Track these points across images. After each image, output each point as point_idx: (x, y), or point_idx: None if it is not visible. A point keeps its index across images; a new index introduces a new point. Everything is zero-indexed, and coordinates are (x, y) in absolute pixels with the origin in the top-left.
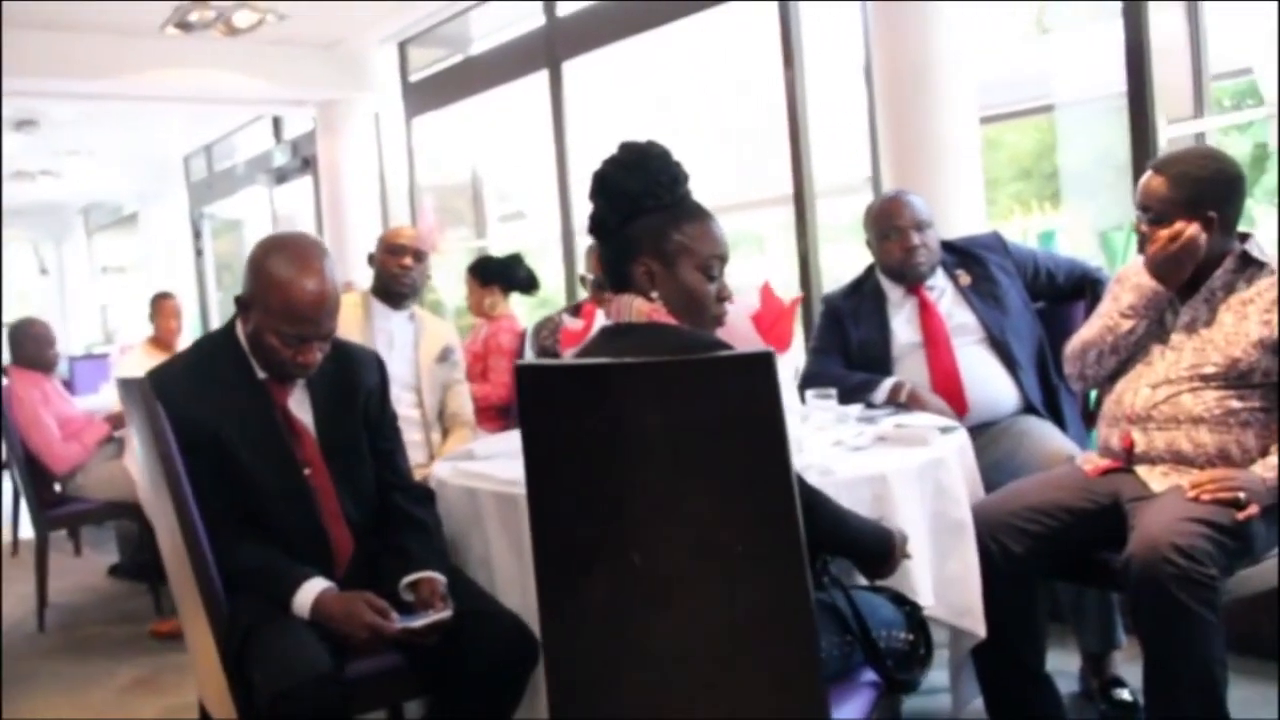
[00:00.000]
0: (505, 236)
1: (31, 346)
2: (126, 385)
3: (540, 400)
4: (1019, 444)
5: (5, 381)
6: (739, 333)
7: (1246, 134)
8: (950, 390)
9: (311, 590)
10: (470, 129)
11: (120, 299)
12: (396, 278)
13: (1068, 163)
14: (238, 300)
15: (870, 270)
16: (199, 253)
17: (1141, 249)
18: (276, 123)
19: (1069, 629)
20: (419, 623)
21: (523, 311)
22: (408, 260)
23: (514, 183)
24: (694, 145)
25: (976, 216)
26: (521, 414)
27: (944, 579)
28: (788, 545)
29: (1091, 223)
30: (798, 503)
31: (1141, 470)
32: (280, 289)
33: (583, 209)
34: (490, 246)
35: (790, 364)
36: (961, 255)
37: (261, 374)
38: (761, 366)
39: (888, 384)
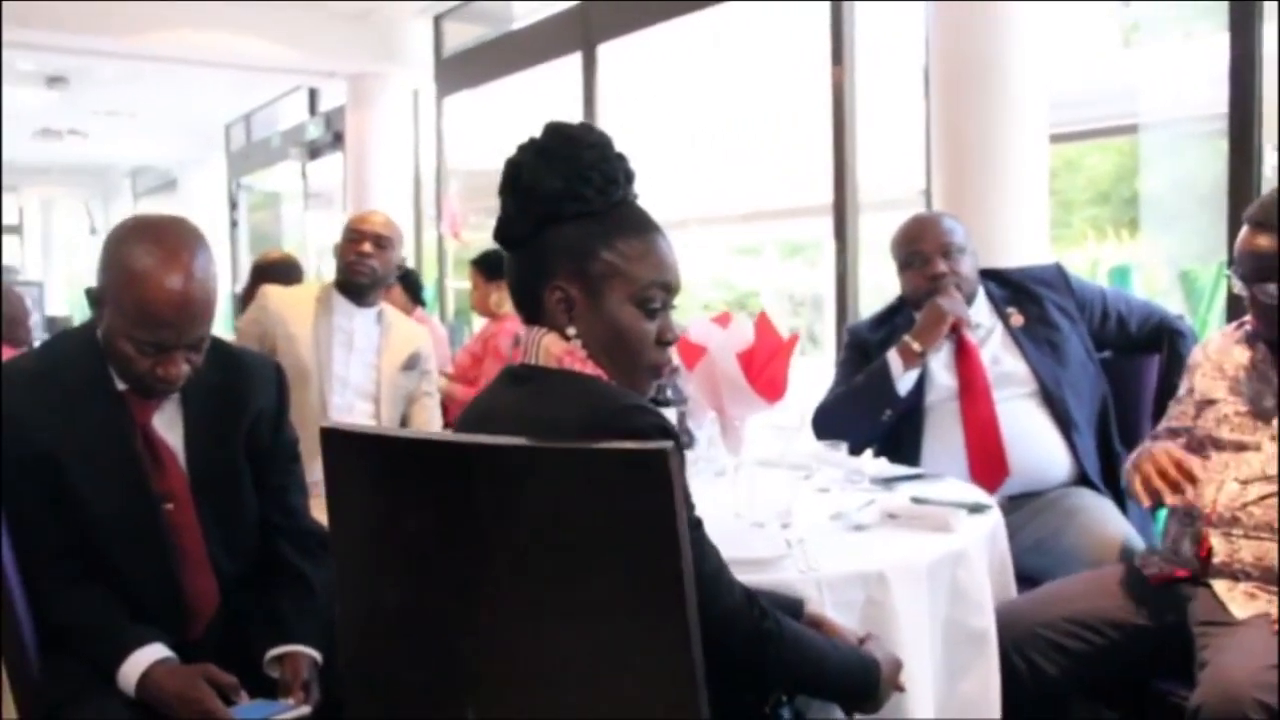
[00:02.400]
0: None
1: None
2: None
3: (351, 482)
4: (1067, 523)
5: None
6: (723, 374)
7: None
8: (988, 451)
9: (142, 660)
10: (505, 111)
11: None
12: (352, 266)
13: (1149, 188)
14: (89, 294)
15: (904, 301)
16: (234, 224)
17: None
18: (312, 94)
19: None
20: (267, 717)
21: None
22: (365, 247)
23: None
24: (735, 144)
25: (1039, 243)
26: (329, 499)
27: (955, 702)
28: (680, 690)
29: (1170, 255)
30: (693, 638)
31: (1219, 586)
32: (134, 285)
33: None
34: None
35: (794, 414)
36: (1015, 290)
37: (122, 385)
38: (652, 466)
39: (893, 358)
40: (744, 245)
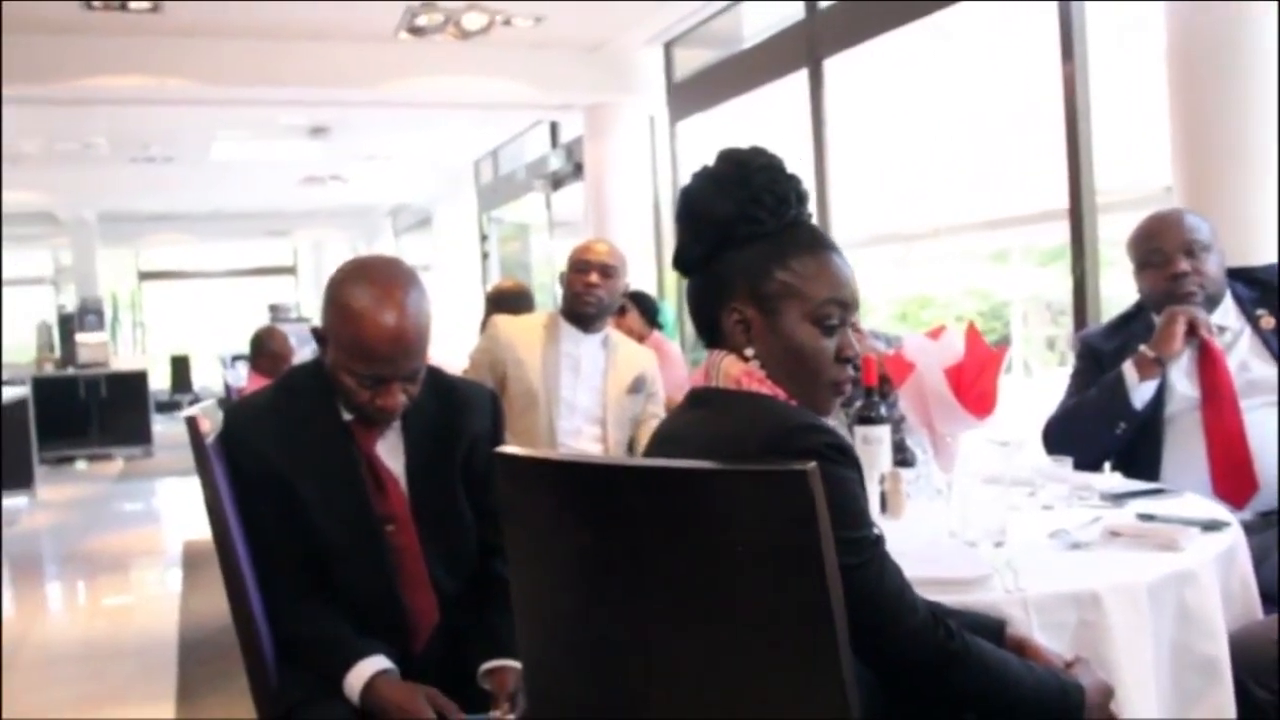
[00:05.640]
0: None
1: (268, 358)
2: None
3: (522, 506)
4: None
5: (244, 385)
6: (930, 390)
7: None
8: (1233, 464)
9: (366, 671)
10: (737, 132)
11: None
12: (579, 297)
13: None
14: (314, 332)
15: (1142, 306)
16: (485, 255)
17: None
18: (553, 127)
19: None
20: None
21: None
22: (593, 278)
23: None
24: (974, 148)
25: None
26: (504, 522)
27: None
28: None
29: None
30: (843, 658)
31: None
32: (352, 322)
33: (841, 222)
34: None
35: (1011, 431)
36: (1265, 289)
37: (347, 415)
38: (794, 486)
39: (1129, 369)
40: (993, 252)
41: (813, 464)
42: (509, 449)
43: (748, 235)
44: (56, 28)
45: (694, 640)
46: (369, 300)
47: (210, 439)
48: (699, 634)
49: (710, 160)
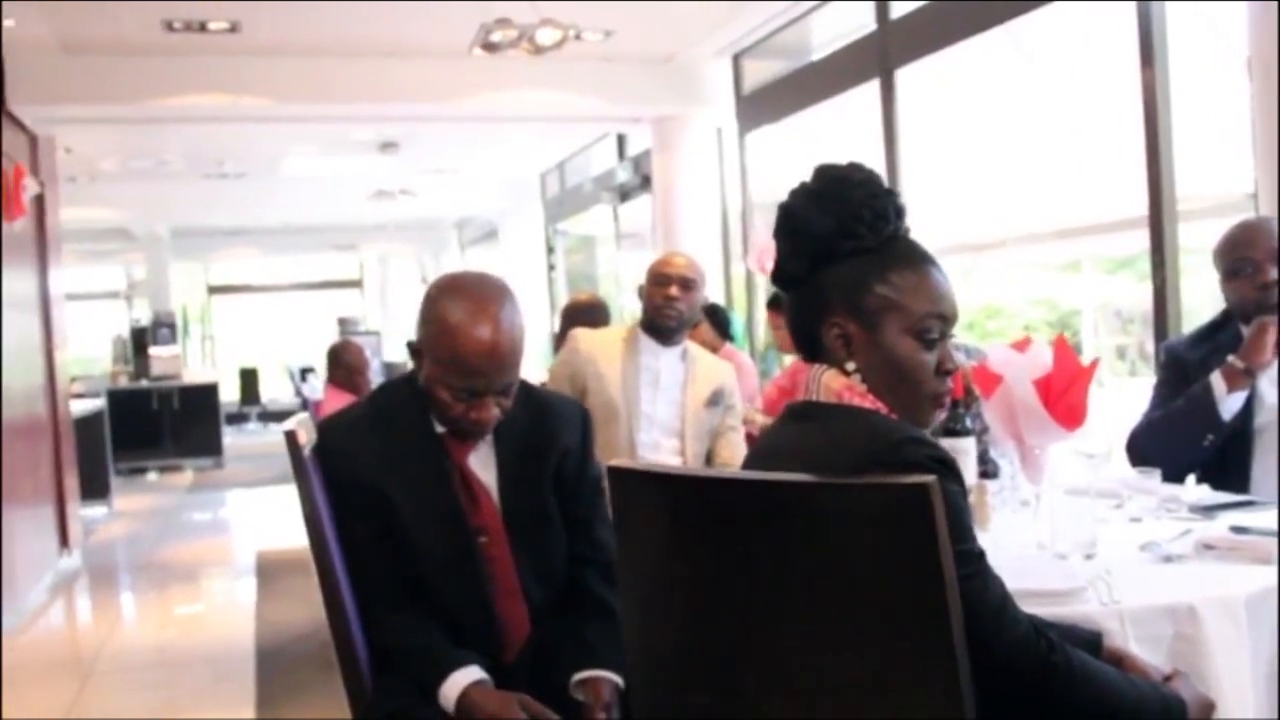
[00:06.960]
0: None
1: (344, 370)
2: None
3: (636, 519)
4: None
5: (321, 398)
6: (1019, 402)
7: None
8: None
9: (460, 681)
10: (807, 143)
11: None
12: (660, 310)
13: None
14: (410, 346)
15: (1228, 315)
16: (551, 267)
17: None
18: (620, 140)
19: None
20: None
21: None
22: (673, 291)
23: None
24: (1046, 158)
25: None
26: (617, 535)
27: None
28: None
29: None
30: (961, 672)
31: None
32: (448, 337)
33: (913, 232)
34: None
35: (1102, 440)
36: None
37: (440, 428)
38: (913, 501)
39: (1217, 380)
40: (1064, 262)
41: (933, 478)
42: (623, 463)
43: (847, 250)
44: (138, 49)
45: (808, 653)
46: (464, 315)
47: (304, 452)
48: (814, 646)
49: (807, 176)
